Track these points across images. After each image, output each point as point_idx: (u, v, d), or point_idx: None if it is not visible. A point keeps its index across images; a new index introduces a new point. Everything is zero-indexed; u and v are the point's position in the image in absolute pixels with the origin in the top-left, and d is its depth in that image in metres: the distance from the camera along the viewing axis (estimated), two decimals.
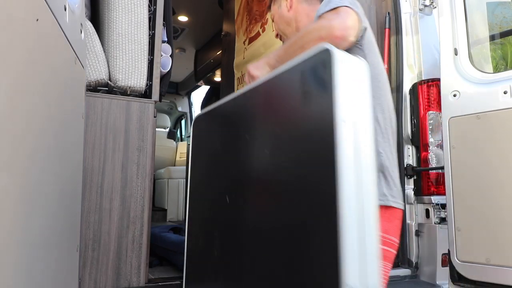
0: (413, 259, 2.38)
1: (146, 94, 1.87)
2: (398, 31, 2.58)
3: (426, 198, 2.37)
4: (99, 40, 1.80)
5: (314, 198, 0.82)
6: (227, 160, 1.20)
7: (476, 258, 1.76)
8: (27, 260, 0.74)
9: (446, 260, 2.06)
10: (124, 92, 1.83)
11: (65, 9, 1.00)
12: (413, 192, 2.44)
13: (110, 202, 1.69)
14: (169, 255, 2.20)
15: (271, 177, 0.99)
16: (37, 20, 0.76)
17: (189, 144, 1.53)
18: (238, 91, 1.20)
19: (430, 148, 2.39)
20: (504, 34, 2.24)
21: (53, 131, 0.93)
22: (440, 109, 2.05)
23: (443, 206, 2.24)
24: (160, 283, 1.81)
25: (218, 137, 1.30)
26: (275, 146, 0.99)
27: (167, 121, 6.29)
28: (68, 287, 1.13)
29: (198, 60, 5.29)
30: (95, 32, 1.79)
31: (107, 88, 1.80)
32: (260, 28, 2.99)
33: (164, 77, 2.02)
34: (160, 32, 1.93)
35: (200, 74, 5.32)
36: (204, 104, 5.21)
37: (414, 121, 2.46)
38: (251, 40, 3.10)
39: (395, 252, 1.19)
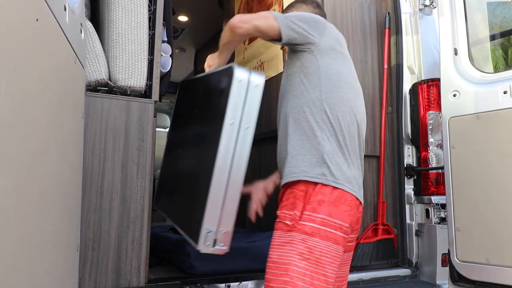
0: (413, 259, 2.38)
1: (146, 94, 1.87)
2: (398, 31, 2.58)
3: (426, 198, 2.37)
4: (99, 40, 1.80)
5: (205, 165, 1.27)
6: (184, 123, 1.76)
7: (476, 258, 1.76)
8: (27, 260, 0.74)
9: (446, 260, 2.07)
10: (124, 92, 1.83)
11: (65, 9, 1.00)
12: (413, 192, 2.44)
13: (110, 202, 1.69)
14: (169, 255, 2.20)
15: (193, 140, 1.58)
16: (37, 20, 0.76)
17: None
18: (201, 74, 1.67)
19: (430, 148, 2.39)
20: (504, 34, 2.24)
21: (53, 131, 0.93)
22: (440, 109, 2.05)
23: (443, 206, 2.24)
24: (160, 283, 1.81)
25: (184, 104, 1.81)
26: (199, 123, 1.56)
27: (167, 121, 6.29)
28: (68, 287, 1.13)
29: (198, 60, 5.29)
30: (95, 32, 1.79)
31: (107, 88, 1.80)
32: None
33: (164, 77, 2.02)
34: (160, 32, 1.93)
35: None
36: None
37: (414, 121, 2.46)
38: (251, 40, 3.10)
39: (342, 235, 1.30)
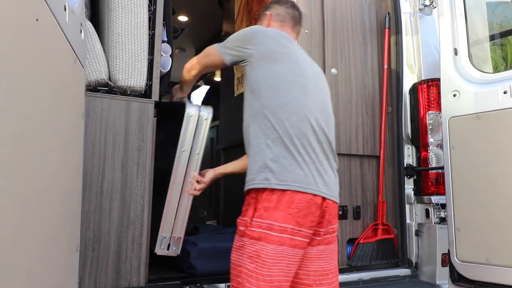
0: (413, 259, 2.38)
1: (146, 94, 1.87)
2: (398, 31, 2.58)
3: (426, 198, 2.37)
4: (99, 40, 1.80)
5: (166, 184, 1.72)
6: (161, 146, 1.95)
7: (476, 258, 1.76)
8: (27, 260, 0.74)
9: (446, 260, 2.07)
10: (124, 92, 1.83)
11: (65, 9, 1.00)
12: (413, 192, 2.44)
13: (110, 202, 1.69)
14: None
15: (162, 162, 1.83)
16: (37, 20, 0.76)
17: None
18: (168, 101, 2.03)
19: (430, 148, 2.39)
20: (504, 34, 2.24)
21: (53, 131, 0.93)
22: (440, 109, 2.05)
23: (443, 206, 2.24)
24: (160, 283, 1.81)
25: (159, 126, 1.96)
26: (166, 147, 1.87)
27: None
28: (68, 287, 1.13)
29: None
30: (95, 32, 1.79)
31: (107, 88, 1.80)
32: None
33: (164, 77, 2.02)
34: (160, 32, 1.93)
35: None
36: (204, 104, 5.20)
37: (414, 121, 2.46)
38: None
39: (288, 236, 1.34)
